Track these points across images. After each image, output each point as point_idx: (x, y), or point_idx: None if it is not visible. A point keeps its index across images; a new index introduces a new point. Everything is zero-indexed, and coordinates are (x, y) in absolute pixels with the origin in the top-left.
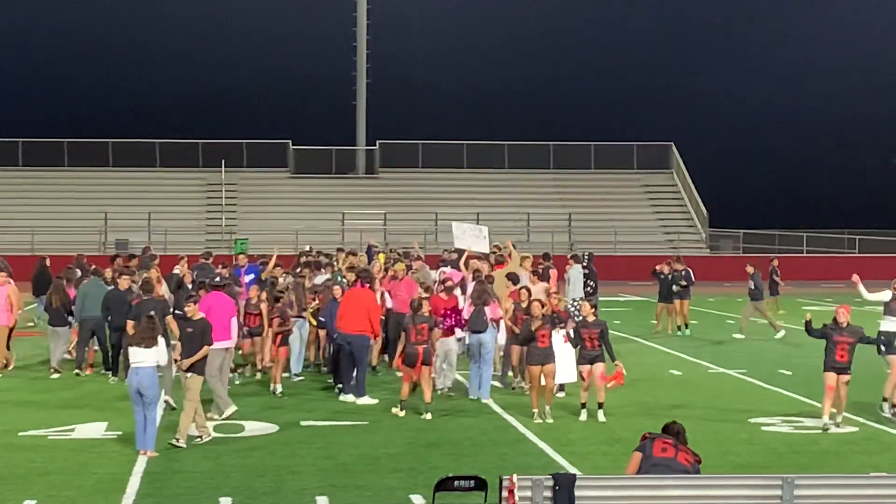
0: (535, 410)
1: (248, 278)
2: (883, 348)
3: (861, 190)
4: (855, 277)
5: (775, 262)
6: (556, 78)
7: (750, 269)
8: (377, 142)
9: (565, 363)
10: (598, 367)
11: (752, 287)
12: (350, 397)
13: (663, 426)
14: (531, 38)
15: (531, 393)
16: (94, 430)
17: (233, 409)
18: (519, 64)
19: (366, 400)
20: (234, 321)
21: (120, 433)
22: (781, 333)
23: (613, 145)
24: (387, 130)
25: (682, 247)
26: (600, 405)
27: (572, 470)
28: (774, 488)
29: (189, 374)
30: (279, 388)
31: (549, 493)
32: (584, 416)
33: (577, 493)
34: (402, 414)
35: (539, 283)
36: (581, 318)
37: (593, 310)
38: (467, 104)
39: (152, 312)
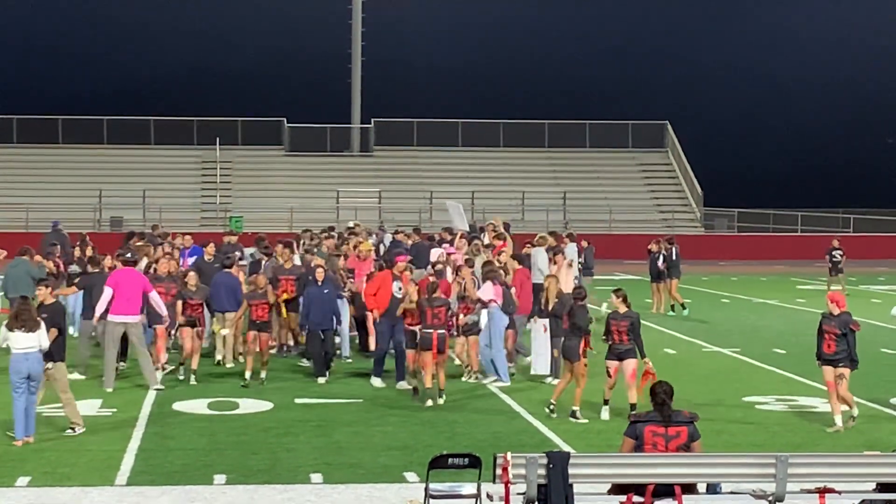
0: (553, 404)
1: (189, 261)
2: None
3: (856, 169)
4: None
5: (835, 242)
6: (551, 56)
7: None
8: (372, 120)
9: (541, 353)
10: (629, 364)
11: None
12: (400, 384)
13: (650, 389)
14: (526, 16)
15: (560, 384)
16: (88, 407)
17: (111, 389)
18: (514, 42)
19: (378, 382)
20: (156, 296)
21: (114, 410)
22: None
23: (608, 124)
24: (382, 108)
25: (677, 226)
26: (633, 406)
27: (566, 448)
28: (768, 466)
29: (51, 365)
30: (263, 375)
31: (543, 471)
32: (605, 413)
33: (571, 470)
34: (430, 403)
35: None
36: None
37: (621, 299)
38: (462, 82)
39: (27, 294)
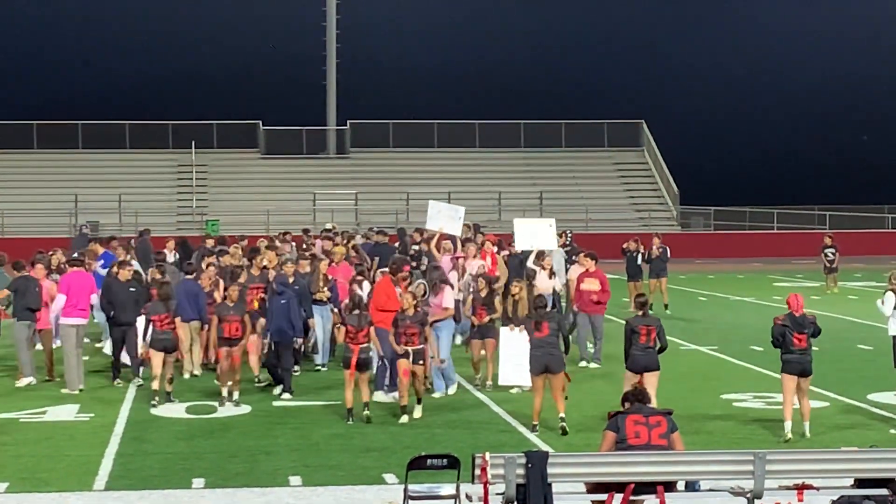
0: (535, 423)
1: (97, 264)
2: None
3: (832, 166)
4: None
5: (828, 240)
6: (526, 56)
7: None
8: (348, 122)
9: (520, 364)
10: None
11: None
12: (392, 395)
13: (628, 394)
14: (501, 16)
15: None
16: (65, 412)
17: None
18: (489, 43)
19: (390, 395)
20: (95, 298)
21: (92, 415)
22: None
23: (584, 123)
24: (357, 110)
25: (654, 224)
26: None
27: (545, 448)
28: (746, 463)
29: None
30: (235, 394)
31: (521, 471)
32: None
33: (549, 470)
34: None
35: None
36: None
37: (637, 305)
38: (438, 83)
39: None
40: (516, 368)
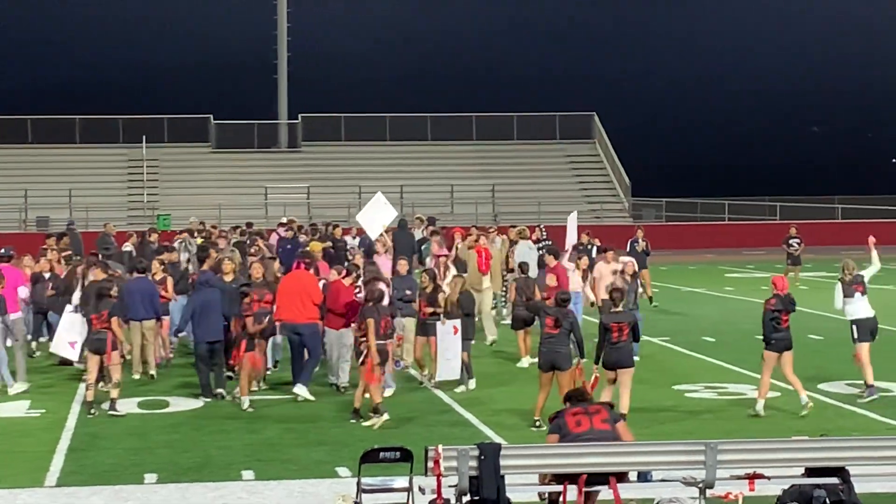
0: (537, 419)
1: None
2: (856, 335)
3: (783, 158)
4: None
5: (793, 230)
6: (478, 49)
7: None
8: (299, 115)
9: (450, 357)
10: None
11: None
12: (303, 389)
13: (569, 393)
14: (452, 9)
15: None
16: (16, 408)
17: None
18: (441, 36)
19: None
20: (22, 290)
21: (43, 411)
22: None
23: (536, 116)
24: (309, 104)
25: (605, 216)
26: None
27: (498, 440)
28: (697, 454)
29: None
30: (246, 402)
31: (474, 463)
32: None
33: (502, 462)
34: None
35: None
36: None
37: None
38: (389, 77)
39: None
40: (447, 363)
